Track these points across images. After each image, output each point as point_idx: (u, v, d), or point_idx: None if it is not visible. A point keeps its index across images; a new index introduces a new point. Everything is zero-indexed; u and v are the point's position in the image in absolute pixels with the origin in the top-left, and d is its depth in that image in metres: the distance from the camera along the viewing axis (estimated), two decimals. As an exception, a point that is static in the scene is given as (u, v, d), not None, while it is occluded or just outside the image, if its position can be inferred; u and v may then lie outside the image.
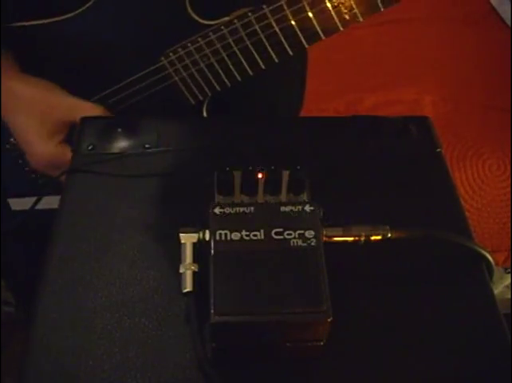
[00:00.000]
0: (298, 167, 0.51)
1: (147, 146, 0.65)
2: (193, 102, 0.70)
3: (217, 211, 0.49)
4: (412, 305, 0.53)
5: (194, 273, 0.49)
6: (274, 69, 0.69)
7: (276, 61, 0.66)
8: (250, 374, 0.48)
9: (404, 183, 0.63)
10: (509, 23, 1.63)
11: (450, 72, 1.49)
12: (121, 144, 0.66)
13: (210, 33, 0.64)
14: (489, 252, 0.55)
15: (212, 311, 0.43)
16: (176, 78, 0.68)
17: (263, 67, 0.66)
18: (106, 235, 0.57)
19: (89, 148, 0.65)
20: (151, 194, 0.61)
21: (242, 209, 0.49)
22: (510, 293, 1.43)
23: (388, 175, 0.64)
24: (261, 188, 0.51)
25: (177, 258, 0.50)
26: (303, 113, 1.36)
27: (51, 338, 0.50)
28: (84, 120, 0.69)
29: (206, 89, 0.68)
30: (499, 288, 1.42)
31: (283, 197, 0.51)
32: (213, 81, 0.67)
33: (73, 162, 0.64)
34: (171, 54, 0.66)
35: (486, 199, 1.25)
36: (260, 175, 0.51)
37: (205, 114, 0.73)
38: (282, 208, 0.49)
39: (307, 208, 0.49)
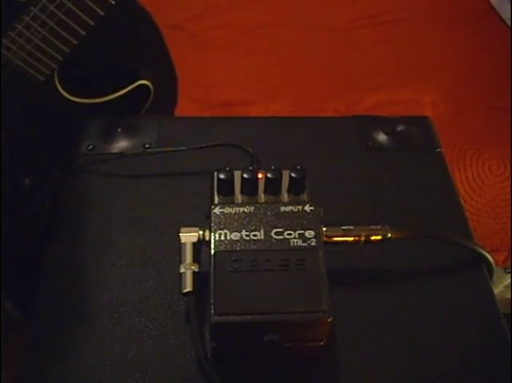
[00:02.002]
0: (298, 167, 0.51)
1: (147, 146, 0.66)
2: (42, 78, 0.71)
3: (217, 211, 0.48)
4: (412, 305, 0.53)
5: (194, 273, 0.49)
6: (113, 29, 0.72)
7: (101, 13, 0.67)
8: (250, 374, 0.48)
9: (404, 183, 0.63)
10: (509, 23, 1.62)
11: (450, 72, 1.49)
12: (121, 144, 0.66)
13: (32, 8, 0.66)
14: (489, 252, 0.55)
15: (212, 311, 0.43)
16: (17, 61, 0.69)
17: (92, 23, 0.68)
18: (106, 235, 0.57)
19: (89, 148, 0.65)
20: (151, 194, 0.61)
21: (242, 209, 0.49)
22: (510, 293, 1.43)
23: (388, 176, 0.64)
24: (262, 188, 0.51)
25: (177, 258, 0.50)
26: (303, 113, 1.36)
27: (51, 338, 0.50)
28: (85, 120, 0.69)
29: (50, 62, 0.70)
30: (499, 288, 1.42)
31: (283, 197, 0.51)
32: (52, 52, 0.69)
33: (73, 162, 0.65)
34: (4, 40, 0.68)
35: (486, 199, 1.25)
36: (260, 175, 0.51)
37: (58, 87, 0.74)
38: (282, 208, 0.49)
39: (307, 208, 0.49)
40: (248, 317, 0.43)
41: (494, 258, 0.55)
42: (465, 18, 1.65)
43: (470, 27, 1.62)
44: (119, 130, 0.67)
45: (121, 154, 0.65)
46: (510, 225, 1.27)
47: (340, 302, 0.48)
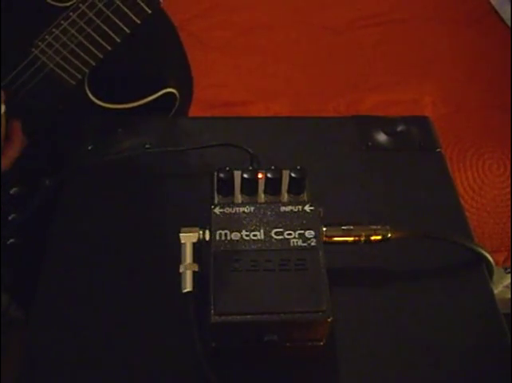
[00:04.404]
0: (298, 167, 0.51)
1: (147, 146, 0.66)
2: (73, 83, 0.72)
3: (217, 211, 0.49)
4: (412, 305, 0.53)
5: (194, 273, 0.49)
6: (142, 37, 0.73)
7: (138, 22, 0.69)
8: (250, 374, 0.48)
9: (404, 183, 0.63)
10: (509, 23, 1.62)
11: (450, 72, 1.49)
12: (121, 144, 0.66)
13: (71, 13, 0.67)
14: (489, 252, 0.55)
15: (212, 311, 0.43)
16: (51, 64, 0.70)
17: (128, 31, 0.69)
18: (106, 235, 0.57)
19: (89, 148, 0.65)
20: (151, 194, 0.61)
21: (242, 209, 0.49)
22: (510, 293, 1.43)
23: (388, 175, 0.64)
24: (262, 188, 0.51)
25: (177, 258, 0.50)
26: (303, 113, 1.36)
27: (50, 338, 0.50)
28: (85, 120, 0.69)
29: (82, 67, 0.71)
30: (499, 288, 1.42)
31: (283, 197, 0.51)
32: (86, 57, 0.71)
33: (73, 162, 0.65)
34: (39, 43, 0.69)
35: (486, 199, 1.25)
36: (260, 175, 0.51)
37: (88, 92, 0.75)
38: (282, 208, 0.49)
39: (307, 208, 0.49)
40: (248, 317, 0.43)
41: (494, 258, 0.55)
42: (465, 19, 1.65)
43: (471, 27, 1.63)
44: (119, 130, 0.67)
45: (121, 154, 0.65)
46: (509, 225, 1.27)
47: (340, 302, 0.48)
